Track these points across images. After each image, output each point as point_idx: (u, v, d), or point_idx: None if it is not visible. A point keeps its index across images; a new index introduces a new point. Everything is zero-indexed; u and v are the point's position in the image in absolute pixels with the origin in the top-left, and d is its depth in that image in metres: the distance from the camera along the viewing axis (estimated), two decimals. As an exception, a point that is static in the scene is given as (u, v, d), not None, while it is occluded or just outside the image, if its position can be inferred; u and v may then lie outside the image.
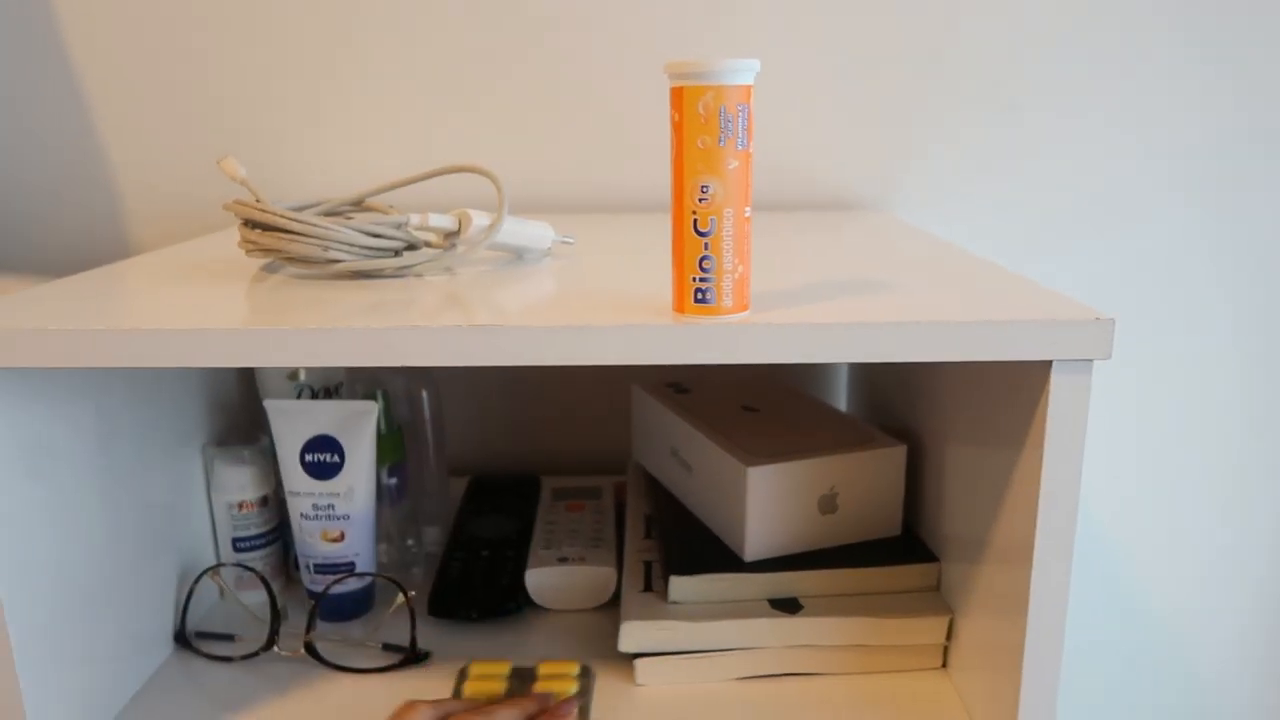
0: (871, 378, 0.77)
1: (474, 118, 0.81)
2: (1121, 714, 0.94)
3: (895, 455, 0.61)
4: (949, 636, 0.57)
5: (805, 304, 0.44)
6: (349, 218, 0.57)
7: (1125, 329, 0.85)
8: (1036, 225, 0.83)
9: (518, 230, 0.55)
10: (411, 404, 0.73)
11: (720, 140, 0.39)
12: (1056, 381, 0.42)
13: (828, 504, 0.60)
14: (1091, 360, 0.41)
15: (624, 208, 0.83)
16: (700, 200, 0.39)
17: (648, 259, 0.57)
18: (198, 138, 0.82)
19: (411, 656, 0.58)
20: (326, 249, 0.49)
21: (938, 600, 0.58)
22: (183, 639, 0.61)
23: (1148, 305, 0.84)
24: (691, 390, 0.72)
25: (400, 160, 0.82)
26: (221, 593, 0.67)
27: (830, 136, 0.81)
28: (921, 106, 0.80)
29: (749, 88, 0.39)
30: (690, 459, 0.64)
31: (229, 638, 0.62)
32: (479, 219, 0.54)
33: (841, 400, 0.86)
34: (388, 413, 0.69)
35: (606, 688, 0.56)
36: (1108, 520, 0.89)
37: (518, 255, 0.58)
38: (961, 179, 0.82)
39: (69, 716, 0.50)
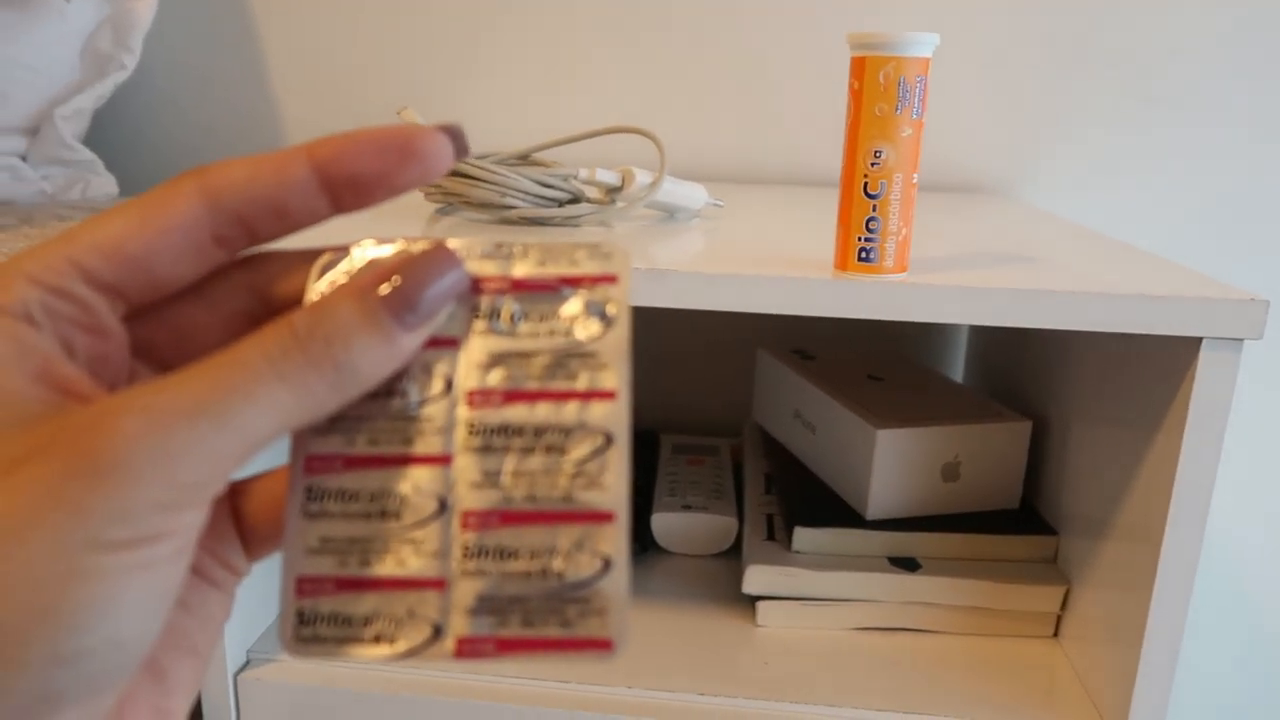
0: (991, 355, 0.78)
1: (627, 82, 0.84)
2: (1227, 687, 0.94)
3: (1020, 430, 0.63)
4: (1063, 607, 0.58)
5: (961, 269, 0.46)
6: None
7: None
8: (1168, 225, 0.82)
9: (674, 190, 0.59)
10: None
11: (897, 109, 0.41)
12: (1205, 359, 0.43)
13: (950, 472, 0.62)
14: (1242, 340, 0.43)
15: (771, 180, 0.85)
16: (872, 165, 0.42)
17: (796, 223, 0.59)
18: (369, 93, 0.87)
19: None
20: (503, 195, 0.53)
21: (1054, 571, 0.59)
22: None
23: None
24: (816, 357, 0.74)
25: (558, 119, 0.86)
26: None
27: (966, 121, 0.82)
28: (1061, 96, 0.81)
29: (928, 60, 0.41)
30: (815, 421, 0.67)
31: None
32: (641, 177, 0.57)
33: (958, 378, 0.87)
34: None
35: (728, 627, 0.59)
36: (1227, 498, 0.89)
37: (670, 214, 0.61)
38: (1095, 172, 0.82)
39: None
